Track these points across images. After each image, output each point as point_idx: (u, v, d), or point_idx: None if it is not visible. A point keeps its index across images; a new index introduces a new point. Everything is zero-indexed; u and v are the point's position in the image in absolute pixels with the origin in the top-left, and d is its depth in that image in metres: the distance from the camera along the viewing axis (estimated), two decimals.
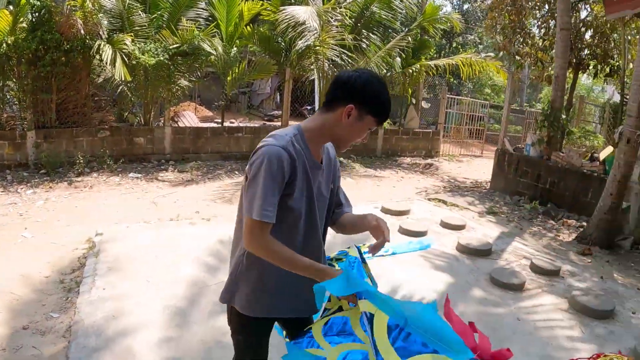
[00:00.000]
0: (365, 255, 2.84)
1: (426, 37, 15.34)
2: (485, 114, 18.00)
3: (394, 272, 5.64)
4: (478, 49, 27.21)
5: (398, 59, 13.81)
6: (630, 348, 4.34)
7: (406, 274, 5.67)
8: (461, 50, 25.10)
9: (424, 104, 20.53)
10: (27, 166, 9.73)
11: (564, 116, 10.26)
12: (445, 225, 7.68)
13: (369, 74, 2.13)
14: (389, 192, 10.18)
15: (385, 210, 8.12)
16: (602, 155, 9.71)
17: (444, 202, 9.61)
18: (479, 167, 14.21)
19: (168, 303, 4.39)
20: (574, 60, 12.41)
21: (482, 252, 6.56)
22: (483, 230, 7.84)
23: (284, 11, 10.83)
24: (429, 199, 9.77)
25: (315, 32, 11.11)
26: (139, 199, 8.27)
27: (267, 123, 15.67)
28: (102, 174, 9.66)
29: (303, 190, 2.18)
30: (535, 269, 6.19)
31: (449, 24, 14.52)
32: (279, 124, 13.89)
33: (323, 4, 12.19)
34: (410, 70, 13.29)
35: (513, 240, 7.52)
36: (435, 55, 20.23)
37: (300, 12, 10.72)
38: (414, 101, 15.78)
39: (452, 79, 24.07)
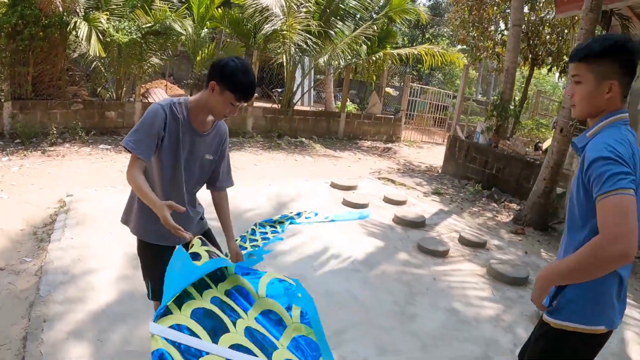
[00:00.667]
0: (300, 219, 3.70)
1: (392, 26, 15.99)
2: (449, 104, 18.77)
3: (331, 234, 6.42)
4: (450, 40, 28.02)
5: (364, 46, 14.45)
6: (534, 311, 4.95)
7: (341, 236, 6.44)
8: (433, 41, 25.84)
9: (392, 92, 21.32)
10: (3, 135, 10.28)
11: (512, 107, 11.01)
12: (387, 200, 8.43)
13: (235, 61, 2.63)
14: (344, 171, 10.90)
15: (334, 185, 8.86)
16: (545, 145, 10.54)
17: (393, 182, 10.39)
18: (438, 154, 15.02)
19: (127, 250, 5.10)
20: (530, 56, 13.24)
21: (415, 224, 7.33)
22: (423, 206, 8.62)
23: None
24: (378, 178, 10.53)
25: (282, 17, 11.76)
26: (108, 168, 8.93)
27: None
28: (74, 145, 10.28)
29: (171, 146, 2.73)
30: (463, 241, 6.94)
31: (416, 15, 15.19)
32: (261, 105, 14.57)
33: None
34: (374, 58, 13.97)
35: (449, 217, 8.29)
36: (407, 45, 20.96)
37: None
38: (378, 88, 16.49)
39: (422, 69, 24.83)
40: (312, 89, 19.46)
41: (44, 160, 9.02)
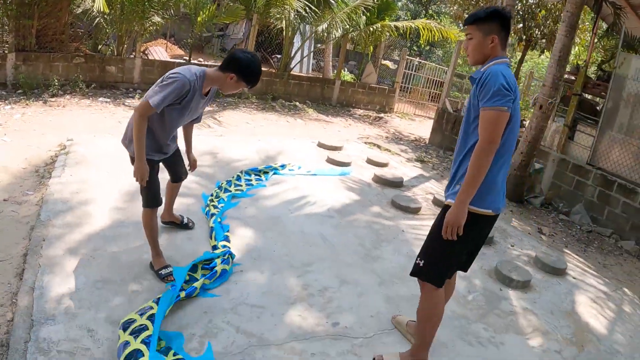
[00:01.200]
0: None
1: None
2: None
3: (311, 185, 6.99)
4: (453, 19, 28.31)
5: (363, 17, 14.83)
6: (492, 267, 5.44)
7: (321, 188, 7.00)
8: (436, 18, 26.13)
9: (390, 65, 21.71)
10: (5, 85, 10.74)
11: None
12: (370, 162, 8.95)
13: (251, 57, 3.60)
14: (333, 135, 11.39)
15: (321, 145, 9.37)
16: (528, 122, 11.01)
17: (378, 146, 10.93)
18: (429, 128, 15.41)
19: (122, 187, 5.65)
20: (525, 37, 13.67)
21: (393, 184, 7.86)
22: (404, 170, 9.15)
23: None
24: (365, 143, 11.05)
25: None
26: (106, 119, 9.43)
27: None
28: (75, 97, 10.76)
29: (182, 108, 3.73)
30: (436, 202, 7.45)
31: None
32: None
33: None
34: (371, 29, 14.37)
35: (428, 181, 8.82)
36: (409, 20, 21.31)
37: None
38: (375, 59, 16.90)
39: (422, 45, 25.15)
40: (311, 57, 19.82)
41: (45, 110, 9.52)
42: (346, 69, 20.17)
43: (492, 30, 2.96)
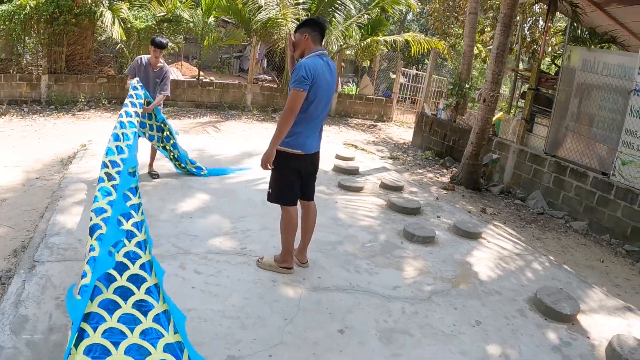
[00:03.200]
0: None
1: (383, 16, 18.35)
2: (445, 90, 20.94)
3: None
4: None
5: (358, 34, 16.88)
6: (403, 229, 6.72)
7: None
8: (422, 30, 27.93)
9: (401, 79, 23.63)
10: (40, 102, 13.31)
11: (467, 86, 13.29)
12: (337, 157, 10.72)
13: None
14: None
15: None
16: (492, 120, 12.73)
17: (355, 147, 12.88)
18: None
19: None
20: None
21: (348, 171, 9.69)
22: (367, 163, 11.01)
23: None
24: (343, 144, 13.02)
25: (276, 7, 14.41)
26: None
27: (235, 82, 19.00)
28: (98, 111, 13.23)
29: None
30: (382, 185, 9.12)
31: (407, 6, 17.57)
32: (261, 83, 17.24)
33: None
34: (363, 44, 16.44)
35: (387, 172, 10.55)
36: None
37: None
38: (371, 71, 18.94)
39: (413, 56, 27.01)
40: None
41: (73, 121, 11.96)
42: (351, 82, 22.18)
43: (302, 32, 4.64)
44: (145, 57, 7.54)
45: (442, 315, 4.79)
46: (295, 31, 4.80)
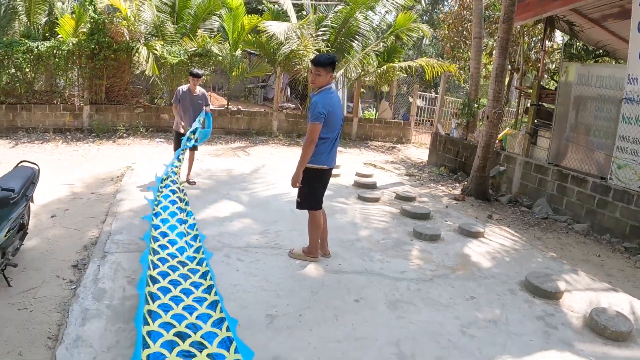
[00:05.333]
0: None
1: (398, 43, 19.47)
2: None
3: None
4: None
5: (375, 62, 18.02)
6: (414, 230, 7.78)
7: None
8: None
9: (419, 102, 24.70)
10: (82, 130, 14.71)
11: (475, 105, 14.27)
12: (357, 174, 11.73)
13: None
14: (342, 160, 14.19)
15: None
16: (500, 135, 13.67)
17: (374, 165, 13.92)
18: None
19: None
20: (508, 64, 16.49)
21: (366, 186, 10.74)
22: (385, 179, 12.07)
23: (266, 25, 15.44)
24: (363, 163, 14.08)
25: (297, 40, 15.64)
26: (160, 153, 13.03)
27: (262, 110, 20.24)
28: (136, 138, 14.56)
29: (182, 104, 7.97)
30: (397, 196, 10.14)
31: (420, 32, 18.72)
32: (285, 111, 18.48)
33: (314, 11, 16.89)
34: (379, 71, 17.57)
35: (403, 186, 11.57)
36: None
37: (274, 28, 15.38)
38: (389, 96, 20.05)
39: (429, 80, 28.00)
40: (345, 98, 22.89)
41: (114, 147, 13.29)
42: (372, 107, 23.29)
43: (328, 70, 5.61)
44: (184, 87, 9.42)
45: (441, 292, 5.78)
46: (320, 65, 5.66)
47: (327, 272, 6.05)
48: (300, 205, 6.21)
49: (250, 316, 4.70)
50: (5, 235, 5.02)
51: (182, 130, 9.27)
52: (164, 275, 5.02)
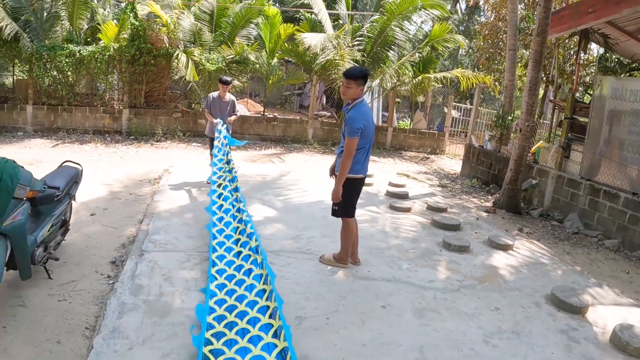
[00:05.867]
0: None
1: (434, 54, 19.58)
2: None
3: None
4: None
5: (410, 72, 18.15)
6: (442, 240, 7.98)
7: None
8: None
9: (455, 113, 24.77)
10: (121, 133, 15.21)
11: (509, 118, 14.29)
12: (390, 184, 11.95)
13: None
14: (376, 169, 14.45)
15: None
16: (533, 148, 13.72)
17: (407, 176, 14.05)
18: None
19: (199, 184, 9.38)
20: (543, 76, 16.52)
21: (399, 195, 10.89)
22: (417, 190, 12.19)
23: (303, 37, 15.74)
24: (397, 173, 14.23)
25: (333, 50, 15.89)
26: (197, 157, 13.40)
27: (297, 117, 20.50)
28: (174, 142, 15.00)
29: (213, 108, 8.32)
30: (428, 207, 10.31)
31: (456, 43, 18.81)
32: (321, 119, 18.76)
33: (350, 21, 17.14)
34: (414, 81, 17.71)
35: (434, 196, 11.70)
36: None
37: (310, 39, 15.63)
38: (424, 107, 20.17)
39: (464, 91, 28.03)
40: (380, 108, 22.91)
41: (152, 149, 13.72)
42: (407, 117, 23.42)
43: (359, 83, 5.77)
44: (214, 93, 10.04)
45: (467, 302, 5.93)
46: (351, 78, 5.84)
47: (356, 278, 6.25)
48: (335, 212, 6.40)
49: None
50: (49, 231, 5.36)
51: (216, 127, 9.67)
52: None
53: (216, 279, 5.37)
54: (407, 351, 4.70)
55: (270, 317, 4.58)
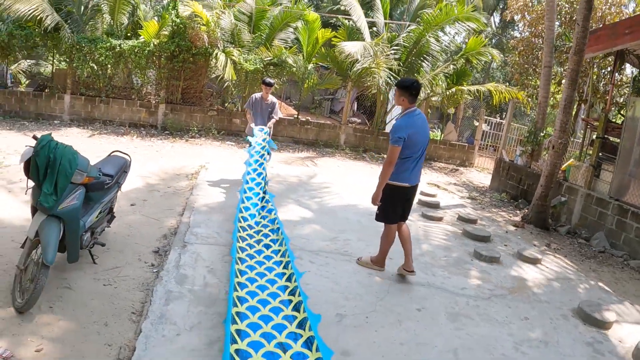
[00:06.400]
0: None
1: (468, 66, 19.73)
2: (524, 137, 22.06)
3: (363, 197, 10.52)
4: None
5: (444, 83, 18.37)
6: (474, 251, 8.23)
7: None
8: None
9: (485, 127, 24.90)
10: (156, 127, 15.63)
11: (541, 134, 14.44)
12: (421, 193, 12.10)
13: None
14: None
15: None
16: (563, 166, 13.82)
17: (437, 186, 14.24)
18: None
19: (235, 179, 9.69)
20: (577, 95, 16.61)
21: (430, 205, 11.10)
22: (448, 200, 12.38)
23: (343, 46, 16.09)
24: (427, 183, 14.42)
25: (370, 58, 16.14)
26: (231, 155, 13.73)
27: (329, 122, 20.77)
28: (208, 139, 15.34)
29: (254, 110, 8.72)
30: (459, 218, 10.52)
31: (489, 57, 18.98)
32: (352, 125, 19.00)
33: (387, 30, 17.40)
34: (448, 93, 17.91)
35: (465, 208, 11.89)
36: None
37: (350, 47, 15.98)
38: (455, 119, 20.33)
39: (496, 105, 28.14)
40: None
41: (187, 145, 14.08)
42: (437, 128, 23.60)
43: (406, 94, 6.01)
44: (257, 94, 10.22)
45: (498, 310, 6.14)
46: (400, 87, 6.06)
47: (392, 281, 6.50)
48: (377, 217, 6.60)
49: (322, 313, 5.14)
50: (97, 217, 5.64)
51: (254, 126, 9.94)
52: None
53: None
54: (442, 352, 4.92)
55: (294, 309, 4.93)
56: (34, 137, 4.85)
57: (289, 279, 5.60)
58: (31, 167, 4.71)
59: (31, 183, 4.92)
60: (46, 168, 4.69)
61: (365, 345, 4.83)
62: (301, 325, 4.64)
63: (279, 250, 6.41)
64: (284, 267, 5.92)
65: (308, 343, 4.33)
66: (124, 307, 4.97)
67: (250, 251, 6.31)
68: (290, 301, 5.12)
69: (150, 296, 5.18)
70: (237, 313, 4.65)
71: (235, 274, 5.37)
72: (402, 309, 5.72)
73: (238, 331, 4.34)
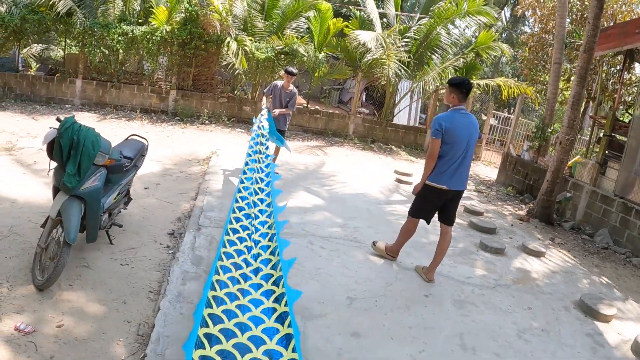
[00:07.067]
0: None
1: (477, 60, 19.80)
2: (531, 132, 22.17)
3: (372, 188, 10.72)
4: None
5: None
6: (479, 242, 8.42)
7: (377, 190, 10.80)
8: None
9: (493, 121, 24.99)
10: (167, 113, 15.83)
11: (549, 130, 14.57)
12: None
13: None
14: (414, 168, 14.87)
15: (395, 171, 13.12)
16: (570, 162, 13.92)
17: None
18: None
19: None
20: (585, 92, 16.70)
21: None
22: None
23: (355, 35, 16.26)
24: None
25: (381, 49, 16.29)
26: (241, 142, 13.90)
27: (337, 112, 20.91)
28: (218, 126, 15.55)
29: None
30: (465, 210, 10.67)
31: (499, 51, 19.06)
32: (361, 115, 19.18)
33: (398, 22, 17.55)
34: None
35: (470, 201, 12.01)
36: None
37: (364, 37, 16.15)
38: None
39: (505, 100, 28.17)
40: (418, 110, 23.15)
41: (197, 132, 14.29)
42: None
43: (456, 92, 5.89)
44: (279, 82, 10.33)
45: (502, 299, 6.34)
46: (449, 84, 6.05)
47: (401, 267, 6.71)
48: (410, 210, 6.68)
49: (333, 296, 5.39)
50: (115, 198, 5.84)
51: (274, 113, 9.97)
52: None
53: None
54: (450, 337, 5.13)
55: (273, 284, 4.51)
56: (58, 119, 5.00)
57: (271, 240, 5.46)
58: (55, 148, 4.86)
59: (53, 164, 5.09)
60: (70, 149, 4.83)
61: (375, 327, 5.04)
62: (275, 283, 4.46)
63: (267, 213, 6.13)
64: (268, 228, 5.71)
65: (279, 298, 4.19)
66: (141, 286, 5.17)
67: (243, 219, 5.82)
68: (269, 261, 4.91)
69: (168, 276, 5.37)
70: (217, 281, 4.32)
71: (223, 243, 5.08)
72: (411, 295, 5.92)
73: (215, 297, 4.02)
